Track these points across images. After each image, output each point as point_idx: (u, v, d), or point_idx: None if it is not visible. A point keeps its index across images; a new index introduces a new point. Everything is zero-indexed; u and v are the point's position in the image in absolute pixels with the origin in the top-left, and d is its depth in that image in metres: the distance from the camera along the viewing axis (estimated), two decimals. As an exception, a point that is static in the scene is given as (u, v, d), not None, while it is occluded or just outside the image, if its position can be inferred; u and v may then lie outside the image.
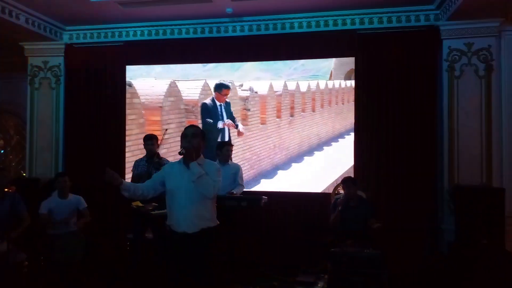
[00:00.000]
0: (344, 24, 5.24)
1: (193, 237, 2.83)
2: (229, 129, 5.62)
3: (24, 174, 6.29)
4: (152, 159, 4.65)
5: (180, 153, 2.85)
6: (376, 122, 5.12)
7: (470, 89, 4.93)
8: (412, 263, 4.86)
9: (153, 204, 3.94)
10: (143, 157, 4.90)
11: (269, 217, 5.26)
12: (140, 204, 3.98)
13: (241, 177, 4.82)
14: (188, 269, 2.84)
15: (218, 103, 5.65)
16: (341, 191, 4.85)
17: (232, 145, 4.93)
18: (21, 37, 5.75)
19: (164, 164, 4.57)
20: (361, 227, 4.34)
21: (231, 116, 5.60)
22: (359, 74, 5.19)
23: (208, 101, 5.68)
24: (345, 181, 4.40)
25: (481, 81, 4.93)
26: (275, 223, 5.29)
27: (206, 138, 3.13)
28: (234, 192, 4.56)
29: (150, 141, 4.76)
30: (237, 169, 4.82)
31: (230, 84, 5.62)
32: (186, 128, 3.02)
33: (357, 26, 5.22)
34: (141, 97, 5.73)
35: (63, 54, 5.94)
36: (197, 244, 2.83)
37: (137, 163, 4.88)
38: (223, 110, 5.61)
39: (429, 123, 5.02)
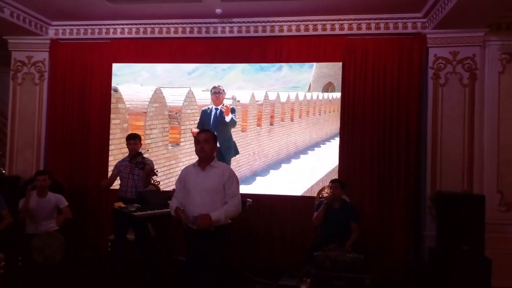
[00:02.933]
0: (333, 29, 5.27)
1: (207, 234, 3.03)
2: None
3: (4, 171, 6.15)
4: (135, 158, 4.60)
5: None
6: (360, 128, 5.15)
7: (454, 97, 5.01)
8: (393, 269, 4.92)
9: (135, 205, 3.89)
10: (125, 157, 4.85)
11: (253, 219, 5.25)
12: (123, 205, 3.92)
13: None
14: (201, 263, 3.06)
15: (213, 108, 5.61)
16: (325, 195, 4.88)
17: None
18: (5, 31, 5.63)
19: (148, 163, 4.54)
20: (344, 230, 4.37)
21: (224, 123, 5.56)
22: (345, 79, 5.21)
23: (206, 106, 5.69)
24: (334, 181, 4.43)
25: (465, 90, 5.01)
26: (259, 225, 5.28)
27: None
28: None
29: (133, 140, 4.73)
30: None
31: (220, 86, 5.59)
32: (198, 134, 3.21)
33: (346, 31, 5.25)
34: (126, 103, 5.71)
35: (48, 50, 5.83)
36: (211, 240, 3.04)
37: (119, 164, 4.83)
38: (217, 115, 5.58)
39: (413, 130, 5.07)
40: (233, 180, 3.17)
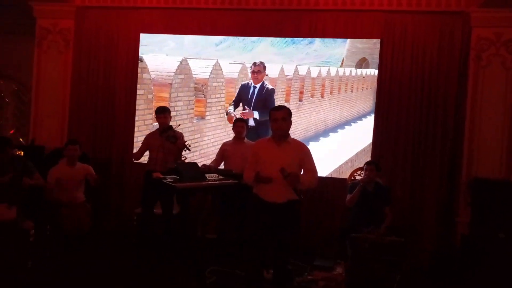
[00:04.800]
0: (372, 4, 5.02)
1: (281, 206, 3.06)
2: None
3: (22, 141, 6.07)
4: (166, 132, 4.48)
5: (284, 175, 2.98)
6: (396, 107, 4.98)
7: (496, 80, 4.79)
8: (424, 255, 4.81)
9: (173, 176, 3.78)
10: (155, 130, 4.74)
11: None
12: (161, 176, 3.82)
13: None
14: (273, 236, 3.06)
15: (252, 85, 5.45)
16: (358, 177, 4.75)
17: (244, 122, 4.77)
18: (31, -3, 5.49)
19: (179, 137, 4.43)
20: (377, 213, 4.27)
21: (263, 103, 5.38)
22: (383, 57, 5.01)
23: (246, 81, 5.52)
24: (370, 164, 4.30)
25: (507, 73, 4.78)
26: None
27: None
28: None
29: (163, 114, 4.60)
30: (252, 148, 4.68)
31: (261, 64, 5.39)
32: (273, 111, 3.15)
33: (385, 7, 5.01)
34: (151, 73, 5.57)
35: (74, 17, 5.67)
36: (285, 213, 3.07)
37: (149, 136, 4.73)
38: (255, 93, 5.40)
39: (451, 112, 4.89)
40: (310, 156, 3.20)
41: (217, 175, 3.96)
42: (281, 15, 5.23)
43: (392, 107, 4.99)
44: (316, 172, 3.21)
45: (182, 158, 5.06)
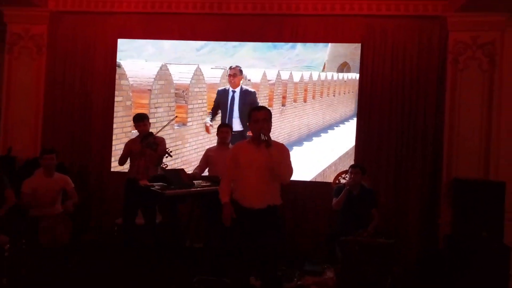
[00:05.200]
0: (352, 9, 5.08)
1: (260, 212, 2.95)
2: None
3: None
4: (146, 138, 4.34)
5: (262, 139, 2.91)
6: (378, 111, 5.04)
7: (473, 82, 4.91)
8: (408, 256, 4.84)
9: (161, 183, 3.65)
10: (136, 137, 4.60)
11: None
12: (148, 183, 3.69)
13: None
14: (253, 243, 2.95)
15: (231, 89, 5.38)
16: (342, 181, 4.75)
17: (229, 127, 4.69)
18: (1, 1, 5.24)
19: (159, 143, 4.30)
20: (364, 216, 4.27)
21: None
22: (363, 61, 5.07)
23: (222, 87, 5.45)
24: (355, 167, 4.30)
25: (484, 75, 4.92)
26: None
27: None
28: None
29: (142, 121, 4.46)
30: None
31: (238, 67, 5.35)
32: (254, 112, 3.04)
33: (365, 12, 5.07)
34: (129, 79, 5.43)
35: (47, 22, 5.47)
36: (264, 219, 2.96)
37: (130, 143, 4.57)
38: (235, 98, 5.34)
39: (431, 115, 4.98)
40: (287, 155, 3.09)
41: (204, 181, 3.85)
42: (263, 19, 5.22)
43: (373, 111, 5.05)
44: (291, 168, 3.07)
45: (163, 165, 4.94)
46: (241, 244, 3.00)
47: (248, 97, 5.31)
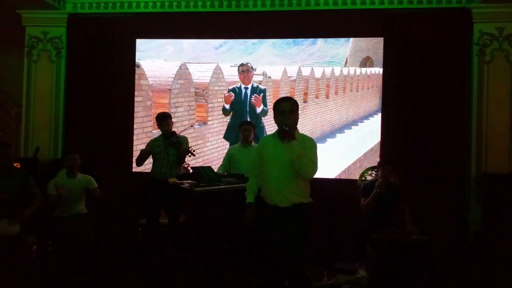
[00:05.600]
0: (372, 3, 5.00)
1: (284, 211, 2.77)
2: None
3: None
4: (169, 138, 4.28)
5: (283, 130, 2.73)
6: (403, 105, 4.94)
7: (500, 74, 4.80)
8: (437, 252, 4.71)
9: (190, 181, 3.59)
10: (159, 136, 4.54)
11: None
12: (177, 181, 3.62)
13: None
14: (278, 242, 2.77)
15: (243, 86, 5.33)
16: (368, 178, 4.64)
17: (251, 125, 4.61)
18: (19, 4, 5.26)
19: (183, 143, 4.25)
20: (392, 212, 4.15)
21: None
22: (387, 55, 4.97)
23: (232, 86, 5.41)
24: (388, 164, 4.16)
25: (511, 67, 4.79)
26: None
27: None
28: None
29: (165, 121, 4.38)
30: (260, 151, 4.53)
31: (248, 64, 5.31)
32: (280, 103, 2.83)
33: (386, 5, 4.99)
34: (149, 79, 5.40)
35: (66, 25, 5.47)
36: (288, 219, 2.77)
37: (152, 143, 4.50)
38: (248, 95, 5.30)
39: (458, 109, 4.87)
40: (314, 149, 2.82)
41: (231, 179, 3.77)
42: (282, 16, 5.16)
43: (399, 106, 4.94)
44: (315, 164, 2.78)
45: (185, 165, 4.88)
46: (266, 243, 2.85)
47: (259, 92, 5.27)
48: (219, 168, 4.52)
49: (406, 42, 4.95)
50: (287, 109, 2.77)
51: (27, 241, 3.50)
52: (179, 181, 3.59)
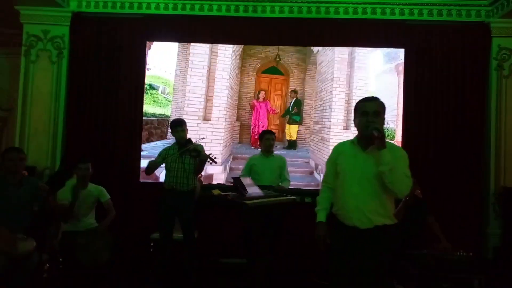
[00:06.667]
0: (393, 13, 4.95)
1: (364, 233, 2.34)
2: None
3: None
4: (185, 146, 4.00)
5: (374, 134, 2.28)
6: (423, 117, 4.87)
7: (518, 89, 4.82)
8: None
9: (231, 193, 3.32)
10: (172, 144, 4.24)
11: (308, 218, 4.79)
12: (222, 193, 3.34)
13: (287, 171, 4.34)
14: (355, 268, 2.33)
15: None
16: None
17: (273, 134, 4.42)
18: (18, 0, 4.90)
19: (201, 150, 3.97)
20: (419, 226, 4.03)
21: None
22: (407, 66, 4.91)
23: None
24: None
25: (529, 82, 4.83)
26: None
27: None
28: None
29: (180, 127, 4.08)
30: (283, 162, 4.34)
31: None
32: (363, 103, 2.42)
33: (406, 16, 4.94)
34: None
35: (69, 24, 5.12)
36: (370, 243, 2.32)
37: (165, 152, 4.19)
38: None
39: (477, 122, 4.85)
40: (405, 161, 2.40)
41: (270, 191, 3.53)
42: (300, 23, 5.02)
43: (418, 117, 4.87)
44: (410, 178, 2.35)
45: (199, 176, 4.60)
46: (340, 271, 2.39)
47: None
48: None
49: (425, 54, 4.91)
50: (371, 111, 2.36)
51: (39, 257, 3.14)
52: (224, 193, 3.31)
